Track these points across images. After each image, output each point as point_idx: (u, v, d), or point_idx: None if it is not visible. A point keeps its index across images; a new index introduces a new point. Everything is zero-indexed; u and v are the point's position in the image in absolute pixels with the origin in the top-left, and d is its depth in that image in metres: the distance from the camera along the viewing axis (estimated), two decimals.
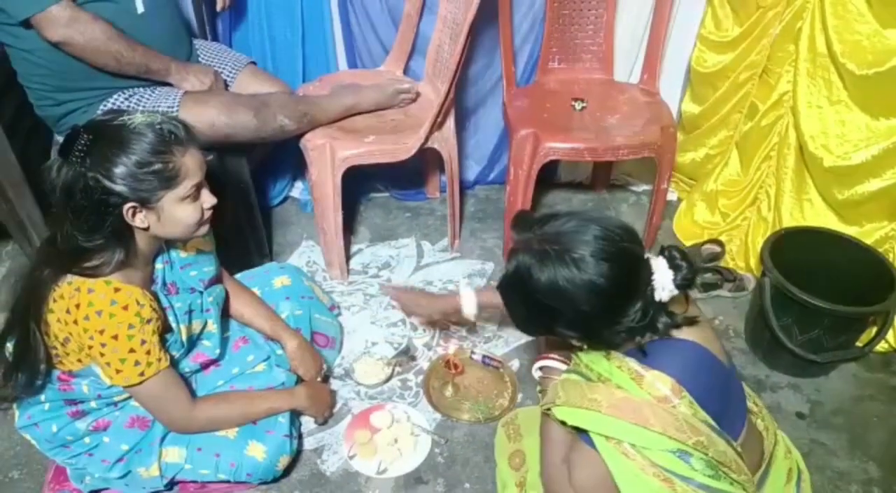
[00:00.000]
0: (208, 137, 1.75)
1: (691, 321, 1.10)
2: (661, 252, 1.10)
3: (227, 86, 1.93)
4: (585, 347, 1.19)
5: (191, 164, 1.25)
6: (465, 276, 2.18)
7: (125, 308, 1.24)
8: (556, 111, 2.11)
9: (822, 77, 1.86)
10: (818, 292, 1.69)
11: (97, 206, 1.19)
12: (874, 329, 1.81)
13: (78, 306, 1.22)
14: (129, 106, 1.70)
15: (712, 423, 1.08)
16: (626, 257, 1.05)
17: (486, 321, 1.89)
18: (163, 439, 1.44)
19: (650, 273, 1.06)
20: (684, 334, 1.10)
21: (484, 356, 1.86)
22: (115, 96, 1.71)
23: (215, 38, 2.17)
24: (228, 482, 1.49)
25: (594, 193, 2.58)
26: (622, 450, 1.07)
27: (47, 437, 1.44)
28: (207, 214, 1.32)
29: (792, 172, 2.02)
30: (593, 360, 1.17)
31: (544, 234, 1.06)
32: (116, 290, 1.24)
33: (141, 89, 1.74)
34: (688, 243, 2.28)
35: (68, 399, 1.41)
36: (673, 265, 1.06)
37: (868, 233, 1.90)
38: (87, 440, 1.44)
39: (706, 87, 2.19)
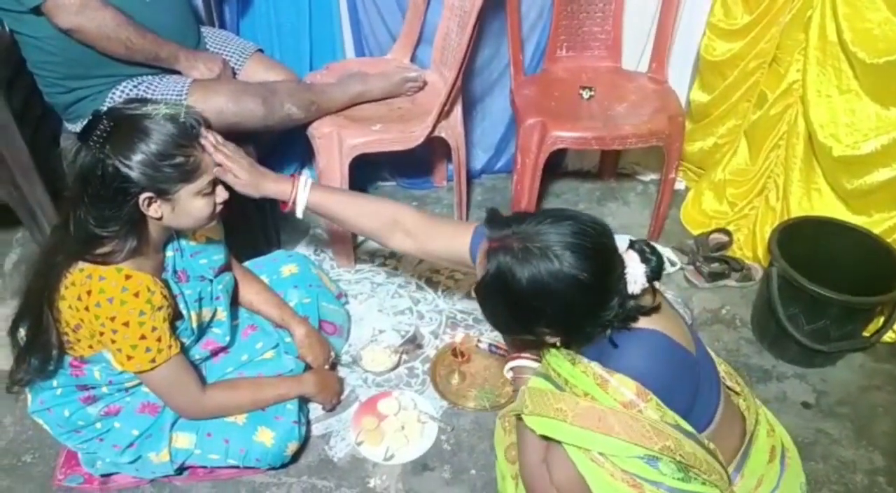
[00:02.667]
0: (216, 125, 1.74)
1: (655, 309, 1.11)
2: (632, 246, 1.11)
3: (234, 74, 1.93)
4: (554, 348, 1.19)
5: (210, 159, 1.27)
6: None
7: (136, 295, 1.25)
8: (564, 100, 2.10)
9: (832, 66, 1.85)
10: (826, 281, 1.69)
11: (114, 194, 1.20)
12: (881, 319, 1.81)
13: (89, 292, 1.24)
14: (137, 93, 1.71)
15: (682, 423, 1.09)
16: (603, 252, 1.07)
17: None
18: (173, 424, 1.46)
19: (623, 267, 1.08)
20: (645, 322, 1.10)
21: (490, 344, 1.87)
22: (124, 84, 1.72)
23: (222, 26, 2.17)
24: (237, 467, 1.50)
25: (601, 181, 2.57)
26: (591, 457, 1.09)
27: (59, 421, 1.46)
28: (219, 208, 1.34)
29: (800, 162, 2.01)
30: (559, 364, 1.17)
31: (522, 232, 1.06)
32: (127, 277, 1.25)
33: (149, 77, 1.74)
34: (695, 233, 2.28)
35: (80, 385, 1.42)
36: (644, 259, 1.08)
37: (877, 223, 1.90)
38: (98, 425, 1.46)
39: (715, 75, 2.18)
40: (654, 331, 1.10)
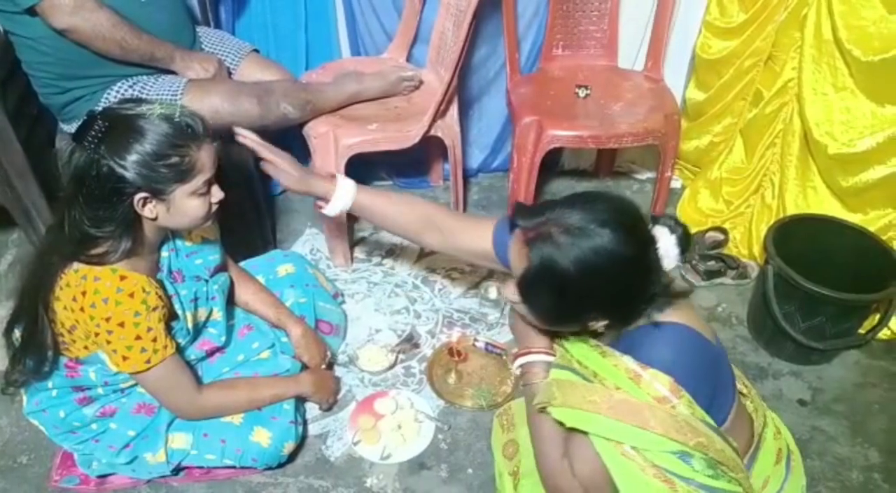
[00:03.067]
0: (212, 125, 1.75)
1: (681, 294, 1.12)
2: (655, 221, 1.10)
3: (230, 74, 1.93)
4: (580, 339, 1.17)
5: (205, 159, 1.26)
6: (469, 264, 2.18)
7: (131, 296, 1.25)
8: (560, 98, 2.10)
9: (827, 64, 1.85)
10: (821, 279, 1.69)
11: (109, 194, 1.20)
12: (877, 317, 1.82)
13: (84, 293, 1.23)
14: (133, 94, 1.71)
15: (710, 421, 1.09)
16: (640, 225, 1.06)
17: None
18: (169, 425, 1.46)
19: (655, 242, 1.07)
20: (673, 317, 1.10)
21: (487, 344, 1.87)
22: (119, 84, 1.71)
23: (218, 26, 2.17)
24: (234, 467, 1.50)
25: (598, 180, 2.57)
26: (621, 451, 1.07)
27: (55, 423, 1.46)
28: (215, 208, 1.33)
29: (796, 160, 2.01)
30: (586, 355, 1.15)
31: (556, 218, 1.04)
32: (122, 278, 1.25)
33: (145, 77, 1.74)
34: (692, 231, 2.27)
35: (75, 386, 1.42)
36: (672, 230, 1.08)
37: (872, 220, 1.90)
38: (94, 426, 1.46)
39: (711, 73, 2.18)
40: (683, 325, 1.09)
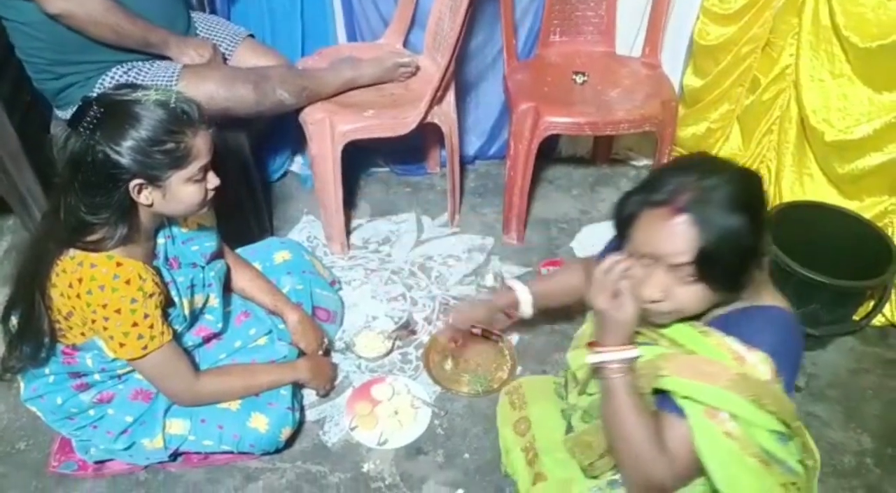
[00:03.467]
0: (207, 111, 1.74)
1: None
2: None
3: (225, 59, 1.92)
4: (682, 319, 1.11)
5: (201, 145, 1.26)
6: (465, 251, 2.19)
7: (128, 283, 1.25)
8: (557, 85, 2.09)
9: (824, 50, 1.85)
10: (817, 265, 1.70)
11: (105, 180, 1.19)
12: (871, 303, 1.83)
13: (80, 280, 1.23)
14: (127, 79, 1.70)
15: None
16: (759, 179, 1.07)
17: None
18: (167, 411, 1.46)
19: None
20: (769, 299, 1.08)
21: (483, 330, 1.88)
22: (114, 70, 1.70)
23: (213, 11, 2.15)
24: (231, 452, 1.51)
25: (595, 167, 2.57)
26: (725, 430, 1.01)
27: (52, 409, 1.46)
28: (210, 194, 1.33)
29: (793, 147, 2.01)
30: (682, 334, 1.09)
31: (687, 183, 1.00)
32: (119, 264, 1.25)
33: (139, 63, 1.73)
34: None
35: (72, 372, 1.42)
36: None
37: (868, 207, 1.91)
38: (91, 412, 1.46)
39: (708, 60, 2.17)
40: (782, 308, 1.08)
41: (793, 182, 2.02)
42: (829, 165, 1.93)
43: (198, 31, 1.92)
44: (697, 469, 1.06)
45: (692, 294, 1.04)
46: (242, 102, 1.75)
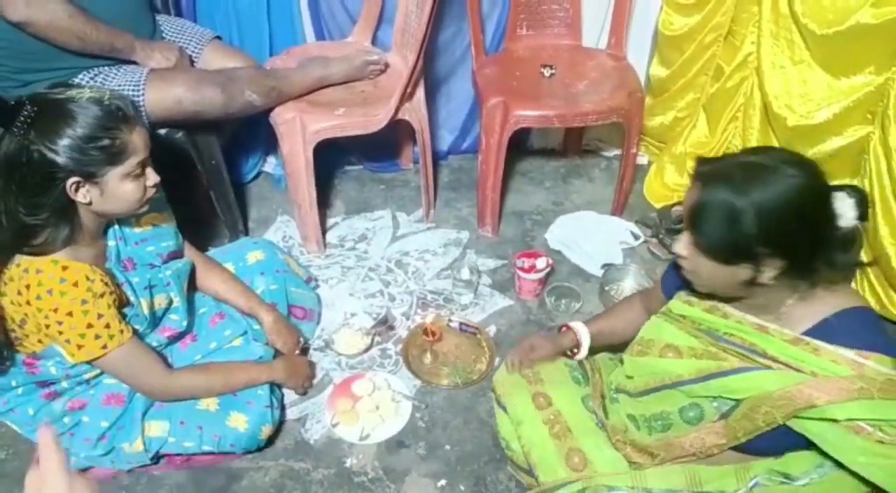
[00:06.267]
0: (176, 114, 1.74)
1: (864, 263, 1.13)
2: (835, 188, 1.09)
3: (192, 62, 1.91)
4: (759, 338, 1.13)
5: (137, 141, 1.25)
6: (441, 245, 2.21)
7: (75, 285, 1.24)
8: (526, 78, 2.12)
9: (784, 37, 1.89)
10: None
11: (41, 179, 1.19)
12: None
13: (28, 286, 1.23)
14: (94, 85, 1.68)
15: None
16: (816, 170, 1.06)
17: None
18: (144, 413, 1.47)
19: (831, 195, 1.07)
20: (856, 300, 1.10)
21: (461, 323, 1.90)
22: (81, 76, 1.69)
23: (179, 14, 2.14)
24: (213, 453, 1.52)
25: (566, 159, 2.60)
26: (877, 438, 0.99)
27: (26, 420, 1.46)
28: (150, 191, 1.32)
29: (757, 133, 2.06)
30: (794, 356, 1.09)
31: (731, 160, 1.08)
32: (64, 268, 1.25)
33: (106, 68, 1.72)
34: (658, 206, 2.32)
35: (39, 381, 1.42)
36: (851, 195, 1.07)
37: None
38: (66, 420, 1.46)
39: (673, 50, 2.21)
40: (865, 308, 1.10)
41: None
42: (793, 150, 1.96)
43: (164, 35, 1.91)
44: None
45: (703, 261, 1.09)
46: (211, 104, 1.75)
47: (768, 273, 1.07)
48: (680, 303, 1.27)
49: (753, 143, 2.06)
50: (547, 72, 2.11)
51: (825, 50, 1.81)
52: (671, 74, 2.25)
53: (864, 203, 1.07)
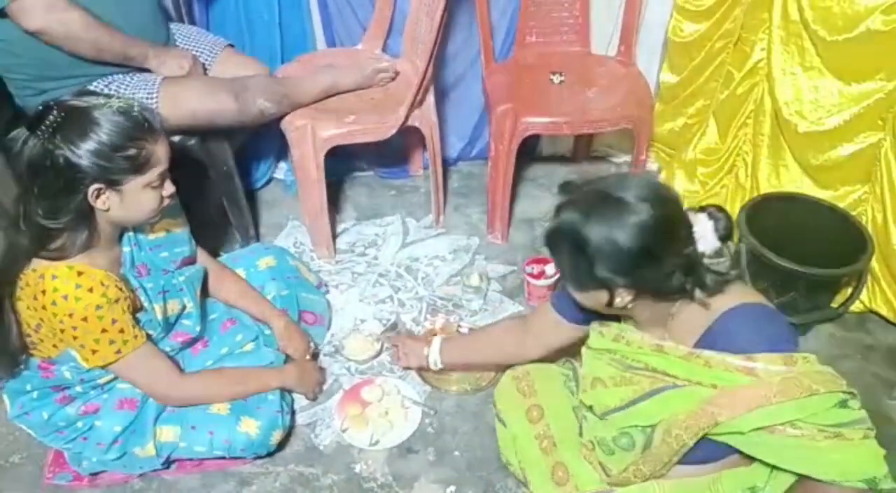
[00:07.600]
0: (189, 122, 1.76)
1: (737, 278, 1.12)
2: (700, 209, 1.12)
3: (205, 70, 1.93)
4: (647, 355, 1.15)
5: (161, 152, 1.28)
6: (451, 251, 2.21)
7: (90, 290, 1.26)
8: (535, 86, 2.12)
9: (795, 44, 1.89)
10: (794, 255, 1.73)
11: (64, 184, 1.20)
12: (849, 290, 1.87)
13: (44, 292, 1.25)
14: (108, 92, 1.70)
15: None
16: (667, 200, 1.07)
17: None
18: (156, 418, 1.48)
19: (690, 226, 1.09)
20: (740, 298, 1.10)
21: (471, 329, 1.90)
22: (95, 84, 1.71)
23: (192, 22, 2.17)
24: (224, 457, 1.53)
25: (576, 165, 2.60)
26: (788, 434, 1.01)
27: (40, 424, 1.47)
28: (166, 201, 1.34)
29: (768, 139, 2.05)
30: (690, 370, 1.10)
31: (584, 189, 1.11)
32: (80, 273, 1.26)
33: (120, 76, 1.74)
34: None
35: (54, 386, 1.43)
36: (712, 217, 1.09)
37: (842, 197, 1.95)
38: (79, 424, 1.47)
39: (683, 56, 2.21)
40: (750, 303, 1.09)
41: (769, 173, 2.06)
42: (804, 156, 1.97)
43: (177, 43, 1.93)
44: None
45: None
46: (224, 112, 1.77)
47: (625, 298, 1.09)
48: (595, 335, 1.28)
49: (764, 149, 2.05)
50: (556, 79, 2.12)
51: (836, 56, 1.81)
52: (681, 81, 2.24)
53: (726, 225, 1.09)
